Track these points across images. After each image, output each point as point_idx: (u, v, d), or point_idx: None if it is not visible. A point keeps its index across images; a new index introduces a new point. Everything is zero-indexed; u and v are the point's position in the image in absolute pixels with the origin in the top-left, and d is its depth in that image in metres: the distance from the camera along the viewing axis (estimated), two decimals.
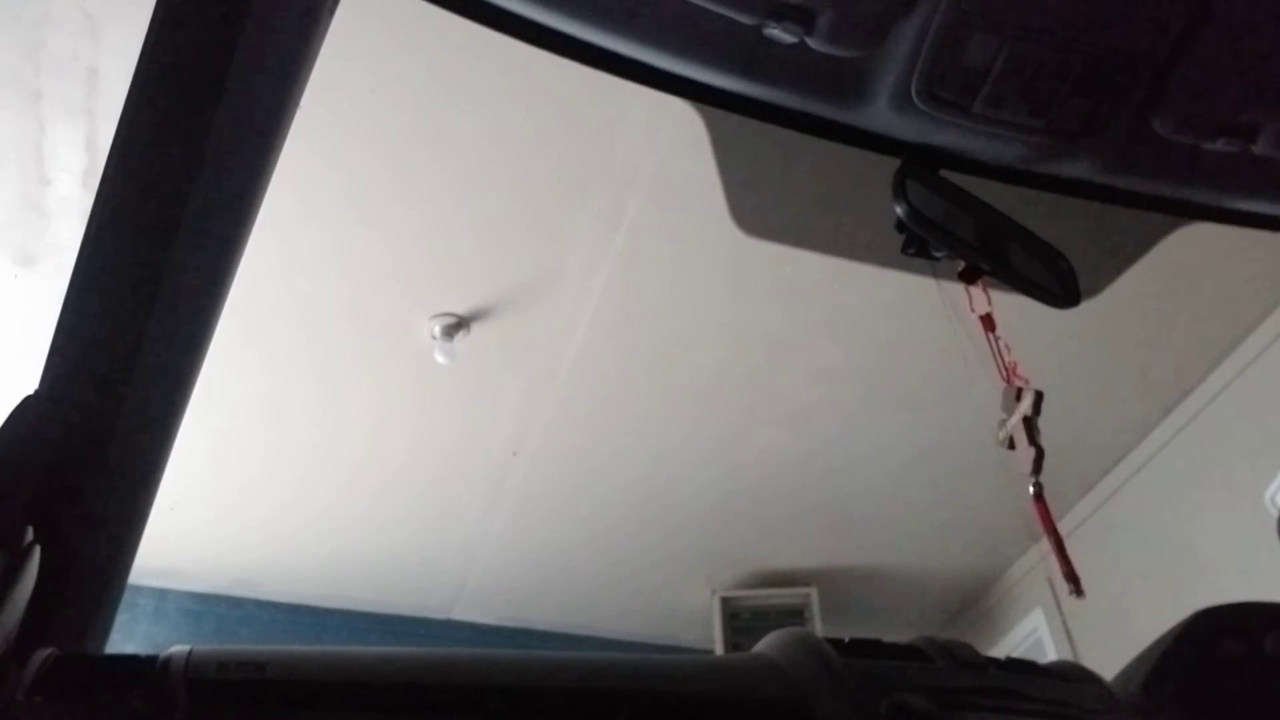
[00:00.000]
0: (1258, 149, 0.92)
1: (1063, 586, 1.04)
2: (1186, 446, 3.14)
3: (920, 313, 2.66)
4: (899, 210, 0.92)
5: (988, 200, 0.96)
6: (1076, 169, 0.97)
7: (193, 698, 0.60)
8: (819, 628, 3.71)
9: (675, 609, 4.07)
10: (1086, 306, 1.05)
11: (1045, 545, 1.04)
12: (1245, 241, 2.42)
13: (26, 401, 0.69)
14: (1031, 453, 1.02)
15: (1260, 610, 0.87)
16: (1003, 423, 1.05)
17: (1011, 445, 1.04)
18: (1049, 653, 3.51)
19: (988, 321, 1.05)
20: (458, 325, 2.83)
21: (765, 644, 0.77)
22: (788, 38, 0.83)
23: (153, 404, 0.74)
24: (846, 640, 0.74)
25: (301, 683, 0.64)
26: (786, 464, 3.39)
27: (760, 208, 2.51)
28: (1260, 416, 2.87)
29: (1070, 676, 0.78)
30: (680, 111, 2.21)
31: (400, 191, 2.49)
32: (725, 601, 3.89)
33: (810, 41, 0.84)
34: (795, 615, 3.81)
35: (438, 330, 2.82)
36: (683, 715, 0.70)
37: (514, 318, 2.84)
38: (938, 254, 0.96)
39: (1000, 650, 3.70)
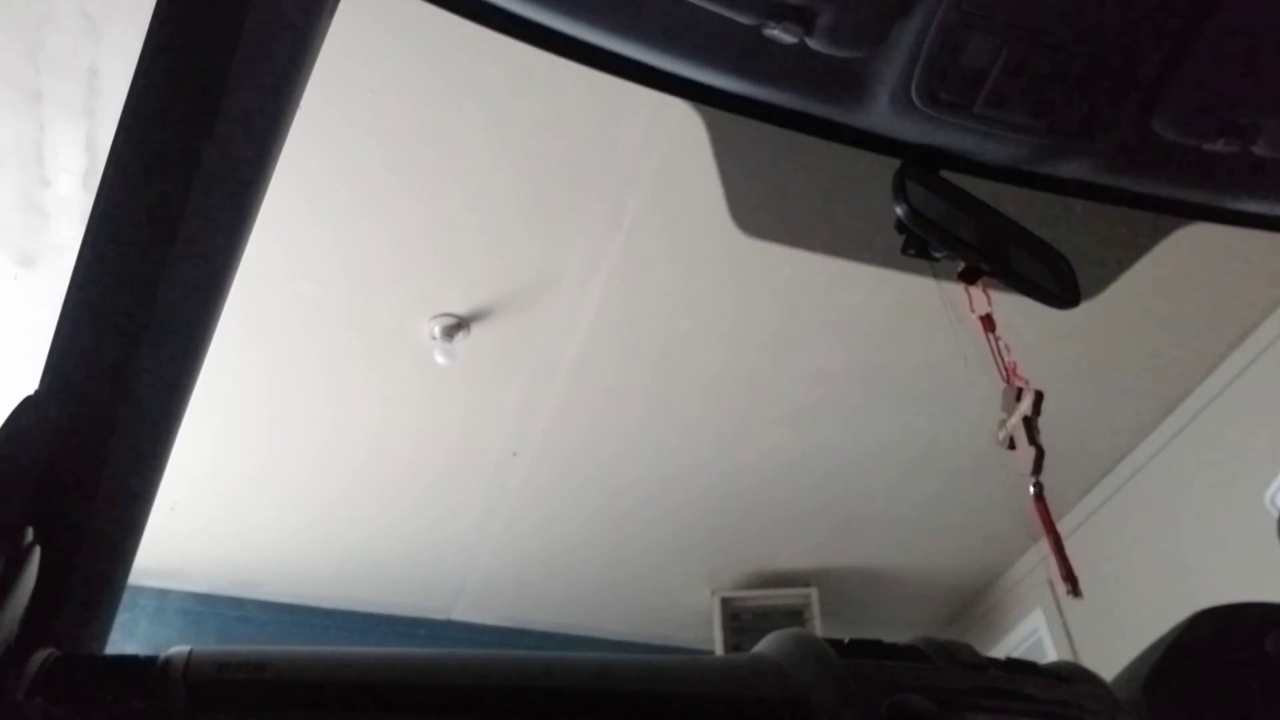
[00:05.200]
0: (1258, 149, 0.92)
1: (1063, 587, 1.04)
2: (1186, 447, 3.14)
3: (920, 313, 2.66)
4: (899, 210, 0.92)
5: (988, 200, 0.96)
6: (1076, 169, 0.97)
7: (193, 698, 0.60)
8: (819, 628, 3.71)
9: (675, 609, 4.07)
10: (1086, 306, 1.05)
11: (1045, 545, 1.04)
12: (1245, 241, 2.42)
13: (26, 401, 0.68)
14: (1031, 453, 1.02)
15: (1260, 610, 0.87)
16: (1003, 423, 1.05)
17: (1011, 445, 1.04)
18: (1049, 653, 3.51)
19: (988, 322, 1.05)
20: (458, 325, 2.83)
21: (765, 644, 0.77)
22: (788, 38, 0.83)
23: (153, 404, 0.74)
24: (846, 640, 0.74)
25: (301, 683, 0.64)
26: (787, 464, 3.39)
27: (760, 208, 2.51)
28: (1260, 417, 2.87)
29: (1070, 676, 0.78)
30: (680, 111, 2.21)
31: (400, 191, 2.49)
32: (725, 602, 3.90)
33: (810, 42, 0.84)
34: (795, 615, 3.81)
35: (438, 331, 2.82)
36: (683, 715, 0.70)
37: (514, 318, 2.84)
38: (938, 254, 0.96)
39: (1000, 650, 3.70)
